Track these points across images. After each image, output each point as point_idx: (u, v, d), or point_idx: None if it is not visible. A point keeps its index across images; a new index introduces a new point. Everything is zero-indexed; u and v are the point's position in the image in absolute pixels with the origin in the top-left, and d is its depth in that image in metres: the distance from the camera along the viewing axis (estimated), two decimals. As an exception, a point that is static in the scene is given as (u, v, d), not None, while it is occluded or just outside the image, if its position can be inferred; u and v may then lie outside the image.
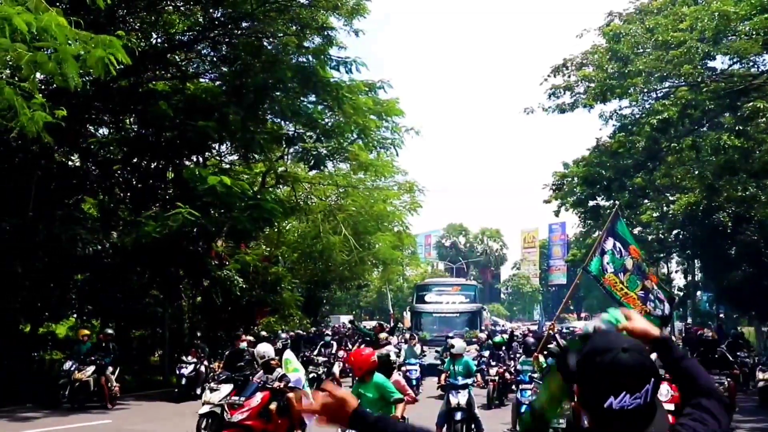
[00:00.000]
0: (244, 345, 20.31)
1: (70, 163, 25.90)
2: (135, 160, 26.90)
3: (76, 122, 22.44)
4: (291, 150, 29.67)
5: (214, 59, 27.88)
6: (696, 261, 42.35)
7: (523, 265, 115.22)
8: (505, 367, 22.75)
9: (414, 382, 23.24)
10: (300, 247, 38.02)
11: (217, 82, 27.27)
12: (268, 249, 35.32)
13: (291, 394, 12.65)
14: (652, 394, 2.73)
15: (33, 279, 22.16)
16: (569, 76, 32.32)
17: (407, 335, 31.49)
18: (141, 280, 25.65)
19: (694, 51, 25.47)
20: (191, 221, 21.85)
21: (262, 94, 25.44)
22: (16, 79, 15.75)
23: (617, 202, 26.96)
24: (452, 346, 15.73)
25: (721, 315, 43.50)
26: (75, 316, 27.56)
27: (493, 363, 23.01)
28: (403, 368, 22.46)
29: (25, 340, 23.40)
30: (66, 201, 24.15)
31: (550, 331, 13.84)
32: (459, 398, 14.47)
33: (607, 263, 11.22)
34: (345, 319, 58.06)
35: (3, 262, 20.68)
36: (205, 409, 15.09)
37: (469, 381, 15.13)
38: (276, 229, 30.96)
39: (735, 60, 27.91)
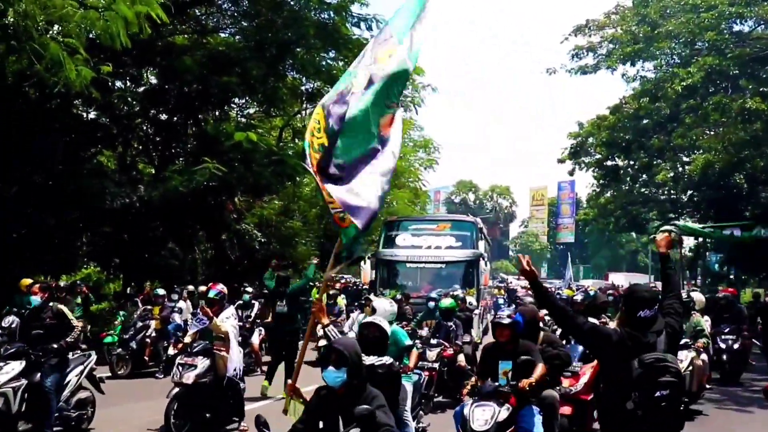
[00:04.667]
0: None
1: (90, 116, 26.02)
2: (155, 114, 26.99)
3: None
4: (310, 106, 29.74)
5: (235, 14, 27.88)
6: (709, 222, 42.40)
7: (532, 222, 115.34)
8: (456, 348, 15.16)
9: None
10: (316, 201, 37.85)
11: (237, 37, 27.32)
12: (284, 203, 35.48)
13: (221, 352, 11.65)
14: (657, 311, 5.81)
15: (64, 232, 22.42)
16: (590, 36, 32.35)
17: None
18: (158, 233, 25.86)
19: (725, 15, 25.44)
20: (217, 175, 22.10)
21: (284, 50, 25.43)
22: (61, 36, 15.89)
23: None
24: (373, 309, 10.20)
25: (731, 276, 43.70)
26: (99, 268, 27.87)
27: (434, 341, 14.93)
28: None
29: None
30: (84, 155, 24.29)
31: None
32: None
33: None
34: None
35: (35, 216, 20.91)
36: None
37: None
38: (293, 184, 30.98)
39: (761, 23, 27.88)
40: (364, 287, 29.80)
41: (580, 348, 10.83)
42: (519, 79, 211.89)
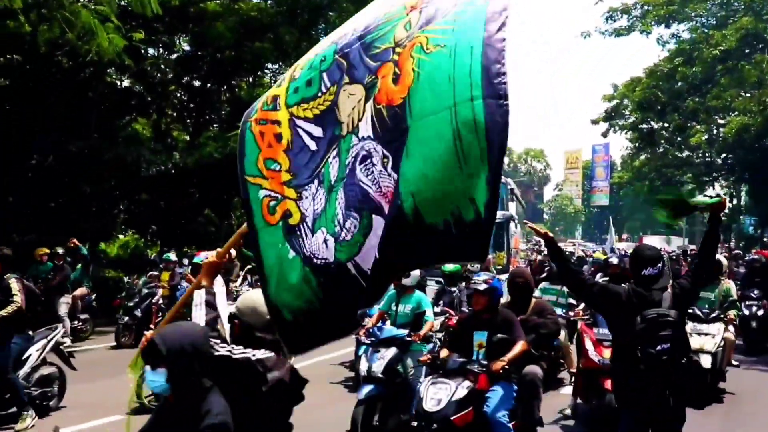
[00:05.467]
0: None
1: (124, 84, 26.25)
2: (188, 81, 27.16)
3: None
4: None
5: (266, -22, 27.84)
6: (743, 185, 41.91)
7: (566, 185, 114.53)
8: (462, 316, 12.53)
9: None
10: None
11: (269, 2, 27.33)
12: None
13: None
14: (661, 269, 6.02)
15: (101, 200, 22.72)
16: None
17: None
18: (194, 200, 26.09)
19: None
20: (251, 141, 22.22)
21: (316, 15, 25.44)
22: (92, 4, 16.02)
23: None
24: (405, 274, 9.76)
25: (765, 239, 43.42)
26: (137, 235, 28.18)
27: (437, 309, 13.31)
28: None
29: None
30: (119, 123, 24.53)
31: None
32: (374, 361, 9.21)
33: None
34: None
35: (72, 184, 21.21)
36: None
37: (401, 333, 9.69)
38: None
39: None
40: None
41: None
42: (553, 41, 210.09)
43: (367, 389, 9.15)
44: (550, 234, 6.38)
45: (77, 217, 21.97)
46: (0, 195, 20.15)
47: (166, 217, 25.27)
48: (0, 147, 19.53)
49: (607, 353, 8.98)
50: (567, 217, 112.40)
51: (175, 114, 27.80)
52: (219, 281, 10.35)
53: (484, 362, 7.56)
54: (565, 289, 12.72)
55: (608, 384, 8.47)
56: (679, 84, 34.30)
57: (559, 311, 11.83)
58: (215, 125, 25.78)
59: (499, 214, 22.55)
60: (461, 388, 7.38)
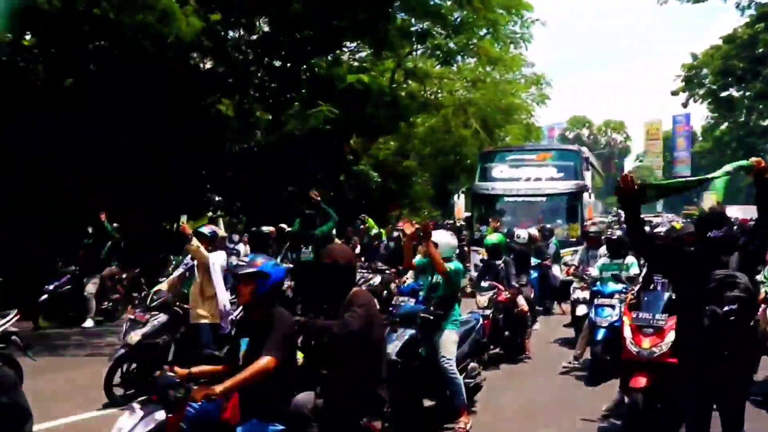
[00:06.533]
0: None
1: (205, 66, 26.86)
2: (269, 62, 27.65)
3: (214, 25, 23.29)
4: (420, 46, 30.01)
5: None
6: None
7: (647, 157, 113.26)
8: (513, 291, 12.94)
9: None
10: (431, 141, 38.24)
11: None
12: (399, 144, 35.97)
13: None
14: (726, 232, 6.05)
15: (187, 179, 23.39)
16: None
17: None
18: (278, 177, 26.57)
19: None
20: (331, 118, 22.71)
21: (392, -7, 25.61)
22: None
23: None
24: (434, 244, 8.76)
25: None
26: (223, 213, 28.79)
27: (485, 284, 12.93)
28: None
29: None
30: (202, 103, 25.15)
31: None
32: (389, 342, 8.14)
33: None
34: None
35: (158, 164, 21.91)
36: None
37: (418, 308, 9.20)
38: (407, 125, 31.27)
39: None
40: (461, 224, 27.98)
41: (666, 296, 8.65)
42: (631, 10, 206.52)
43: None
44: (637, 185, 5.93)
45: (165, 196, 22.65)
46: (94, 179, 20.85)
47: (250, 195, 25.81)
48: (90, 132, 20.24)
49: (646, 342, 8.11)
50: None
51: (257, 95, 28.33)
52: (222, 255, 10.43)
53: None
54: (629, 260, 11.63)
55: (640, 382, 7.94)
56: (760, 50, 33.89)
57: (619, 288, 11.19)
58: (296, 104, 26.19)
59: (572, 183, 22.76)
60: None
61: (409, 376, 8.32)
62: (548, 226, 18.65)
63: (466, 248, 23.50)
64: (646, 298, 8.72)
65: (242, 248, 19.70)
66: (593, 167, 26.87)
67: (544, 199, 23.34)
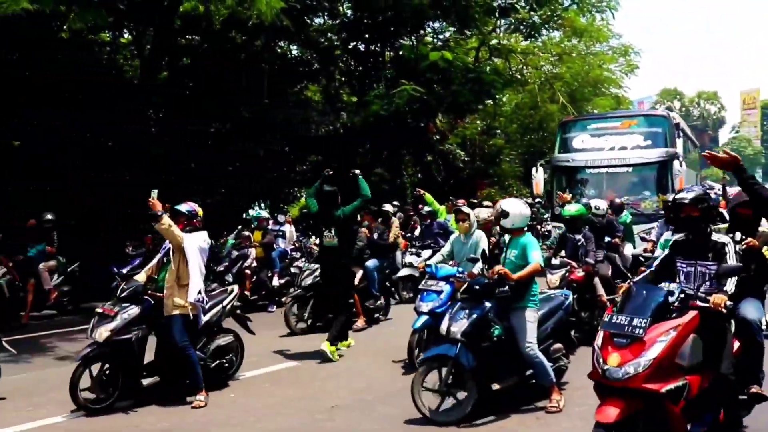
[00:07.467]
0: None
1: (291, 53, 27.09)
2: (353, 45, 27.67)
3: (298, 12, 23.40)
4: (504, 22, 29.62)
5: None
6: None
7: (743, 127, 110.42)
8: (587, 269, 11.70)
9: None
10: (517, 118, 38.00)
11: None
12: (486, 122, 35.68)
13: None
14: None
15: (275, 162, 23.59)
16: None
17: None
18: (365, 160, 26.58)
19: None
20: (416, 97, 22.64)
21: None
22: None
23: None
24: (504, 213, 8.16)
25: None
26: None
27: (556, 262, 11.99)
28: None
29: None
30: (290, 90, 25.33)
31: None
32: (456, 319, 7.82)
33: None
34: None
35: (245, 147, 22.15)
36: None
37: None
38: (493, 102, 30.96)
39: None
40: (537, 200, 26.48)
41: (664, 292, 6.07)
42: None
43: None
44: (739, 158, 5.62)
45: (254, 180, 22.90)
46: (184, 163, 21.17)
47: (337, 178, 25.89)
48: (183, 119, 20.54)
49: (613, 358, 5.67)
50: (746, 160, 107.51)
51: (343, 79, 28.43)
52: (202, 235, 9.23)
53: None
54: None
55: (608, 414, 5.49)
56: None
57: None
58: (380, 84, 26.15)
59: (661, 151, 21.16)
60: None
61: (478, 358, 7.63)
62: (618, 200, 16.97)
63: (538, 226, 23.02)
64: (636, 292, 6.13)
65: (287, 229, 19.63)
66: (684, 134, 25.15)
67: (630, 169, 21.51)
